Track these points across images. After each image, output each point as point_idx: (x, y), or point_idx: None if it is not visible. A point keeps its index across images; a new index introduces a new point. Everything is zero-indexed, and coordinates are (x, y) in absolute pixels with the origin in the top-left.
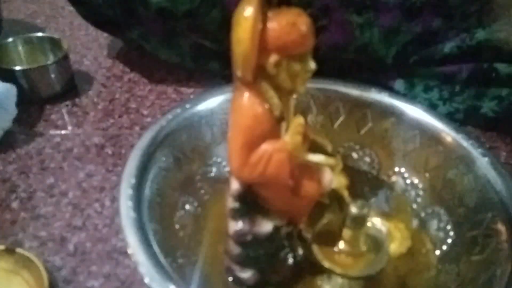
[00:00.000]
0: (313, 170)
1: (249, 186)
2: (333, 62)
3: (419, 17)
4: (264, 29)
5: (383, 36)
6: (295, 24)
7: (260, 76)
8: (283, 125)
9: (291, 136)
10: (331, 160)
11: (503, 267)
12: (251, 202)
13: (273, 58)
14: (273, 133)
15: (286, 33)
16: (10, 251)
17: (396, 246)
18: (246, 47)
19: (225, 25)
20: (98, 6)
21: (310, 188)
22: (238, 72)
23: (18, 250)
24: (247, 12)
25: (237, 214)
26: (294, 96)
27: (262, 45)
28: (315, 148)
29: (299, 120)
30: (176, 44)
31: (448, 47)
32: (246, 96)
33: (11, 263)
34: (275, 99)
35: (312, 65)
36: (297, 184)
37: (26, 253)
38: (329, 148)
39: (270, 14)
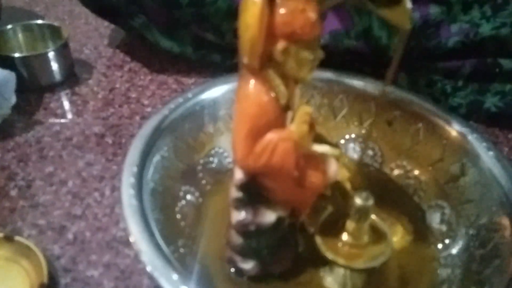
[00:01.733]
0: (318, 161)
1: (253, 176)
2: (337, 54)
3: (415, 3)
4: (272, 15)
5: (382, 22)
6: (303, 10)
7: (267, 63)
8: (289, 114)
9: (297, 125)
10: (336, 151)
11: (506, 261)
12: (254, 192)
13: (280, 45)
14: (279, 122)
15: (294, 19)
16: (9, 239)
17: (398, 239)
18: (254, 33)
19: (230, 16)
20: None
21: (315, 179)
22: (245, 59)
23: (17, 238)
24: None
25: (240, 204)
26: (300, 85)
27: (270, 31)
28: (320, 138)
29: (306, 109)
30: (178, 35)
31: (452, 42)
32: (252, 84)
33: (10, 251)
34: (281, 87)
35: (320, 53)
36: (302, 175)
37: (25, 241)
38: (333, 139)
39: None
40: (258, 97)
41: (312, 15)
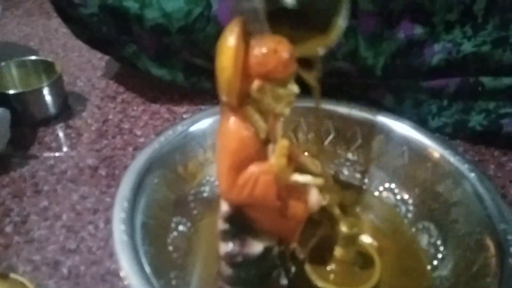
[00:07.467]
0: (300, 191)
1: (238, 208)
2: (324, 76)
3: (400, 24)
4: (246, 56)
5: (369, 43)
6: (276, 51)
7: (245, 100)
8: (270, 147)
9: (276, 158)
10: (318, 180)
11: (491, 282)
12: (240, 224)
13: (256, 84)
14: (260, 155)
15: (267, 60)
16: (3, 276)
17: (388, 262)
18: (230, 75)
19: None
20: (91, 23)
21: (297, 209)
22: (224, 98)
23: (12, 275)
24: (230, 41)
25: (227, 236)
26: (282, 118)
27: (245, 72)
28: (303, 168)
29: (284, 142)
30: (169, 62)
31: (436, 60)
32: (232, 120)
33: None
34: (260, 123)
35: (295, 88)
36: (285, 205)
37: (20, 278)
38: (319, 167)
39: (252, 42)
40: (238, 133)
41: (284, 55)
